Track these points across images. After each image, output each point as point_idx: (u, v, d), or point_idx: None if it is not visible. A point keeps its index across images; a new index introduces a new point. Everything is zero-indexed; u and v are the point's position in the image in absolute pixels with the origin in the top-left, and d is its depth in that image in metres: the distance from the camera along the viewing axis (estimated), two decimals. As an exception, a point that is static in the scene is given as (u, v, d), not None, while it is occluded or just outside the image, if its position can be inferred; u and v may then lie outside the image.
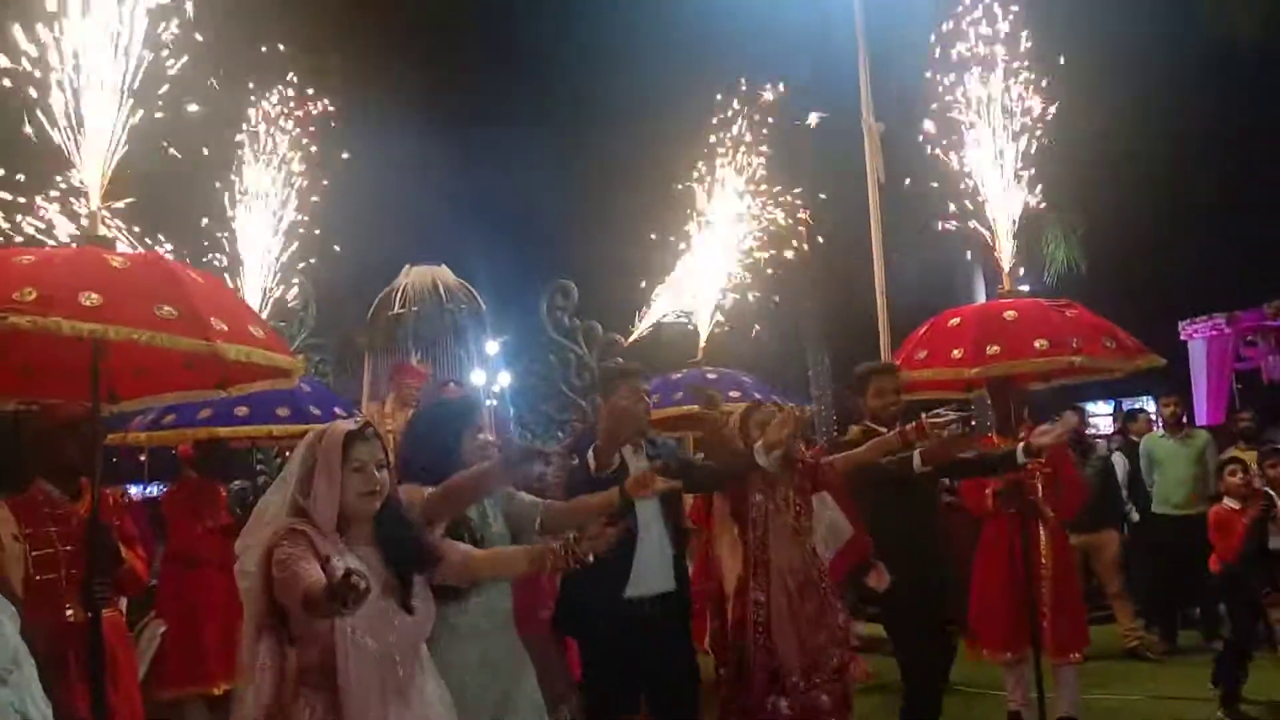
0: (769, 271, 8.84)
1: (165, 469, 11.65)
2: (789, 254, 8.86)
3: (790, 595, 4.37)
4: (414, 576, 2.92)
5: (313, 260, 8.18)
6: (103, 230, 4.16)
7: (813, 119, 8.36)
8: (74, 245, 4.24)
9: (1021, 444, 4.86)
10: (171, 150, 5.70)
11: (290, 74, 7.93)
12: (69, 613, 3.71)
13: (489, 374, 9.75)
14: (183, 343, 3.62)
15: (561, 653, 4.93)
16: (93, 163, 4.10)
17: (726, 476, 4.59)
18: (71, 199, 4.36)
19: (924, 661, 5.00)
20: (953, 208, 6.65)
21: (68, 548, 3.75)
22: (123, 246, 4.69)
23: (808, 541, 4.55)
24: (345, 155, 8.46)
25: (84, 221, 4.17)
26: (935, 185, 6.60)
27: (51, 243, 4.50)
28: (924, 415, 4.55)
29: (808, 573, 4.45)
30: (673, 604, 4.25)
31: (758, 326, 8.90)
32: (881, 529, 4.97)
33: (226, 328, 3.73)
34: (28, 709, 1.22)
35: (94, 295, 3.48)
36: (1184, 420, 8.26)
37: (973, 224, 6.48)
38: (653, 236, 8.80)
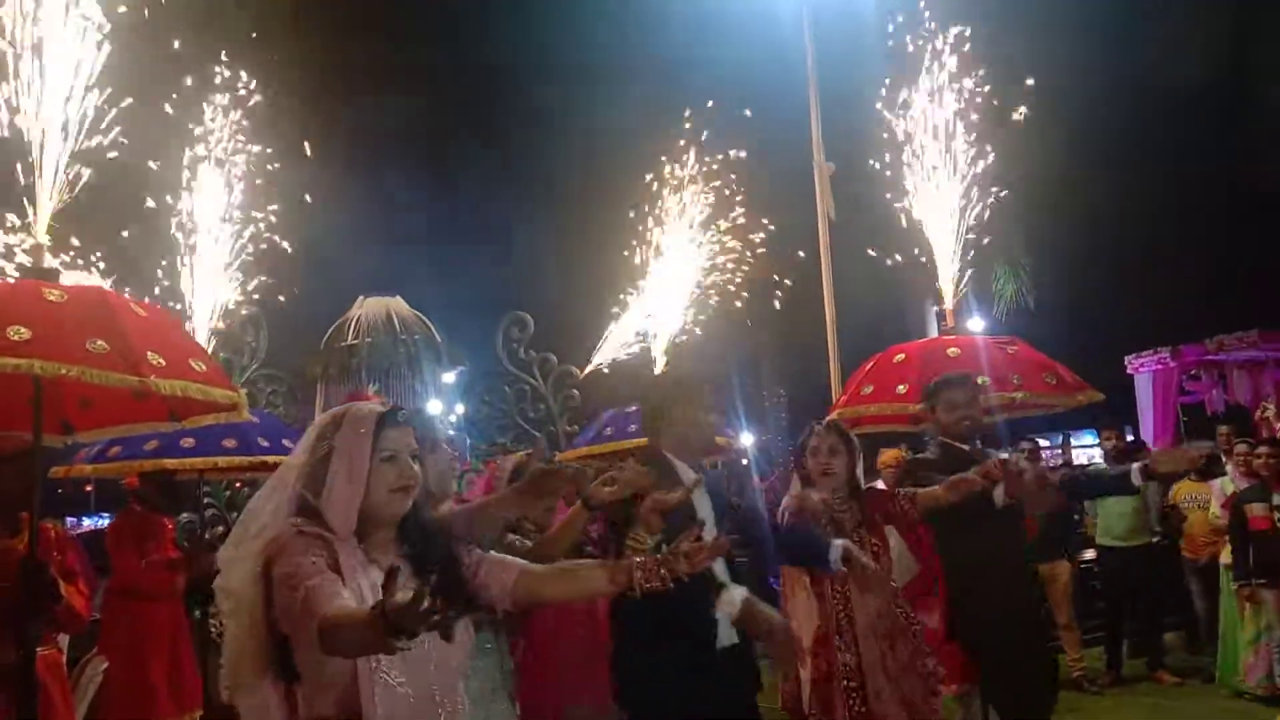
0: (730, 302, 8.97)
1: (113, 500, 11.46)
2: (742, 290, 9.00)
3: (881, 644, 3.96)
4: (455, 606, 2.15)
5: (270, 273, 8.17)
6: (50, 262, 4.15)
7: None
8: (17, 278, 4.22)
9: (1139, 465, 4.39)
10: (121, 177, 5.70)
11: (242, 103, 7.93)
12: (1, 652, 3.65)
13: (445, 405, 9.73)
14: (113, 378, 3.59)
15: None
16: (40, 194, 4.09)
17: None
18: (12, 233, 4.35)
19: (1026, 702, 4.38)
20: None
21: (3, 584, 3.69)
22: (75, 278, 4.70)
23: (889, 581, 4.10)
24: (298, 181, 8.49)
25: (28, 253, 4.16)
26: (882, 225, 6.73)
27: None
28: (1002, 460, 4.10)
29: (895, 617, 4.03)
30: (740, 658, 3.66)
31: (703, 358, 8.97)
32: (959, 557, 4.49)
33: (164, 362, 3.72)
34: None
35: (23, 329, 3.48)
36: (1124, 453, 8.41)
37: (920, 257, 6.64)
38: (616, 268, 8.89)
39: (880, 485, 6.73)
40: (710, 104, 8.97)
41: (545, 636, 3.74)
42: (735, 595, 3.37)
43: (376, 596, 1.96)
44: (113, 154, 4.66)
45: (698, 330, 8.95)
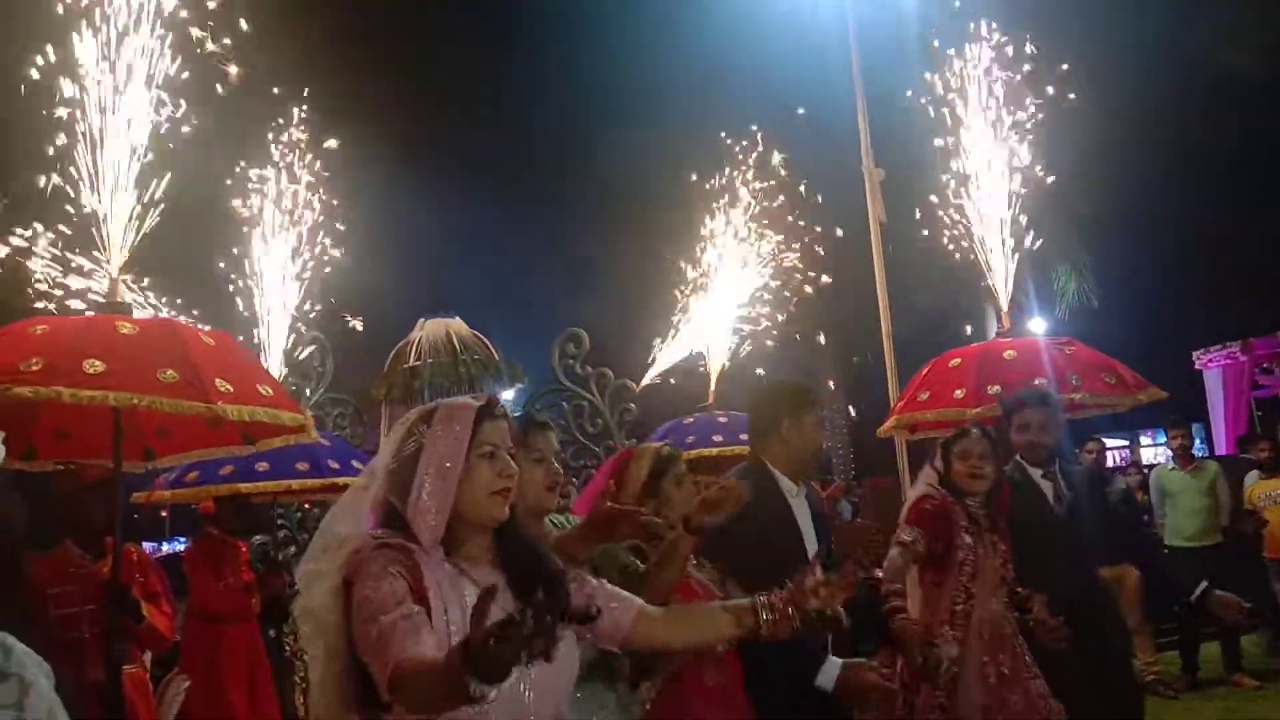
0: (784, 311, 9.01)
1: (188, 526, 11.79)
2: (806, 289, 9.04)
3: (985, 647, 3.86)
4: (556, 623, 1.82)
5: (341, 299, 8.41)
6: (125, 295, 4.35)
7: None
8: (94, 311, 4.42)
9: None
10: (189, 211, 5.90)
11: (303, 133, 8.19)
12: (91, 670, 3.82)
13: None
14: (183, 405, 3.76)
15: None
16: (115, 230, 4.28)
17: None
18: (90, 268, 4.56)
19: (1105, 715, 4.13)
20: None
21: (89, 606, 3.87)
22: (146, 311, 4.90)
23: (1005, 592, 4.00)
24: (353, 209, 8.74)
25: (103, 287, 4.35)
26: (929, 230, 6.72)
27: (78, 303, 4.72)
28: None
29: (1002, 626, 3.93)
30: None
31: (761, 370, 9.00)
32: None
33: (232, 388, 3.88)
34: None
35: (98, 362, 3.65)
36: (1193, 452, 8.26)
37: (973, 259, 6.60)
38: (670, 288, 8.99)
39: None
40: (757, 122, 9.04)
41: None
42: (832, 668, 3.21)
43: (465, 615, 1.82)
44: (160, 208, 4.83)
45: (761, 330, 8.99)
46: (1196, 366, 13.75)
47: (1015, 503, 4.25)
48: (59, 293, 4.75)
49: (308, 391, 8.31)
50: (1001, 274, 6.27)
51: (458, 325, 9.55)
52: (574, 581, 2.13)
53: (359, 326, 9.01)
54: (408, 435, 2.06)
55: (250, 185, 7.94)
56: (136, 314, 4.43)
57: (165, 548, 24.05)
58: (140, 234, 4.35)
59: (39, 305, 4.77)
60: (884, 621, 3.79)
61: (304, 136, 8.26)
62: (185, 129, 4.77)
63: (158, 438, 4.45)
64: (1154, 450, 15.39)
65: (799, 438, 3.57)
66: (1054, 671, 4.00)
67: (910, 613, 3.89)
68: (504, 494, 2.05)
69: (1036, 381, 5.46)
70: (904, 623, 3.75)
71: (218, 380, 3.87)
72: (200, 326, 4.65)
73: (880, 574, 3.98)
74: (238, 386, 3.95)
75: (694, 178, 9.24)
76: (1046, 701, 3.87)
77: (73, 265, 4.72)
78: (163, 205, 4.47)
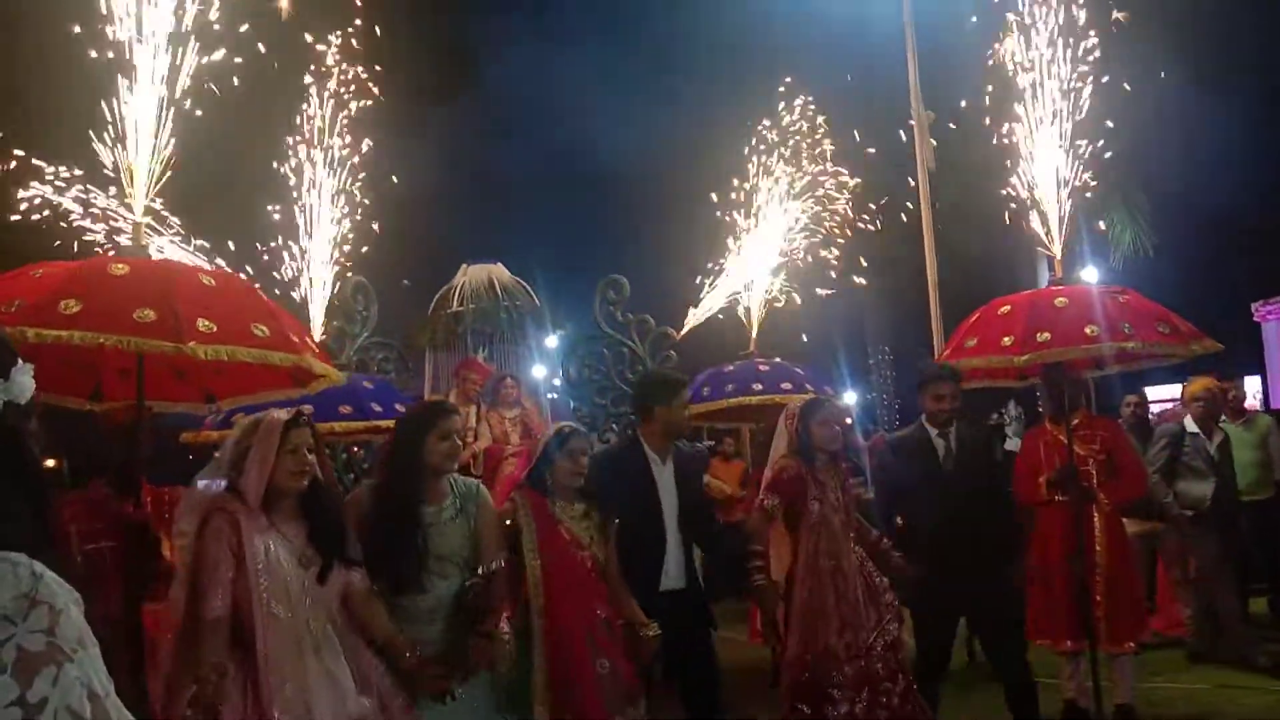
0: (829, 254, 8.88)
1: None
2: (838, 242, 8.89)
3: (838, 587, 4.63)
4: (333, 559, 3.18)
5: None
6: (155, 240, 4.35)
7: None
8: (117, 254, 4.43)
9: None
10: (232, 156, 5.87)
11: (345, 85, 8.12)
12: (112, 605, 3.90)
13: (547, 368, 9.85)
14: (149, 344, 3.77)
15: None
16: (138, 173, 4.27)
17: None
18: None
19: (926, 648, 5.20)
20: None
21: (113, 543, 3.95)
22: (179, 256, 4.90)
23: (850, 534, 4.83)
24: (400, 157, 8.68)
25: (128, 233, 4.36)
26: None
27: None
28: None
29: (848, 573, 4.70)
30: (685, 601, 4.47)
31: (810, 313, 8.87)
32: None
33: (215, 327, 3.84)
34: (93, 684, 1.24)
35: (74, 304, 3.71)
36: (1245, 405, 8.00)
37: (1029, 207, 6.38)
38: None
39: None
40: (807, 67, 8.82)
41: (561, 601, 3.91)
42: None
43: (269, 555, 3.04)
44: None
45: (794, 292, 8.86)
46: (1255, 319, 13.39)
47: (913, 455, 5.33)
48: (90, 238, 4.77)
49: (355, 334, 8.35)
50: (1055, 220, 6.04)
51: (499, 271, 9.53)
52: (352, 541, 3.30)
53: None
54: (244, 436, 3.19)
55: (294, 127, 7.90)
56: (158, 257, 4.42)
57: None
58: (163, 179, 4.31)
59: (75, 250, 4.80)
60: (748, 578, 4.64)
61: (348, 80, 8.19)
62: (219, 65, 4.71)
63: (216, 378, 4.50)
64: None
65: (668, 419, 4.54)
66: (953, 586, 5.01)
67: (783, 563, 4.78)
68: (300, 474, 3.19)
69: (1088, 329, 5.30)
70: (763, 581, 4.61)
71: (200, 320, 3.84)
72: (208, 268, 4.61)
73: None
74: (223, 326, 3.91)
75: (738, 124, 9.07)
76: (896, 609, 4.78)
77: (104, 211, 4.74)
78: (195, 150, 4.44)
